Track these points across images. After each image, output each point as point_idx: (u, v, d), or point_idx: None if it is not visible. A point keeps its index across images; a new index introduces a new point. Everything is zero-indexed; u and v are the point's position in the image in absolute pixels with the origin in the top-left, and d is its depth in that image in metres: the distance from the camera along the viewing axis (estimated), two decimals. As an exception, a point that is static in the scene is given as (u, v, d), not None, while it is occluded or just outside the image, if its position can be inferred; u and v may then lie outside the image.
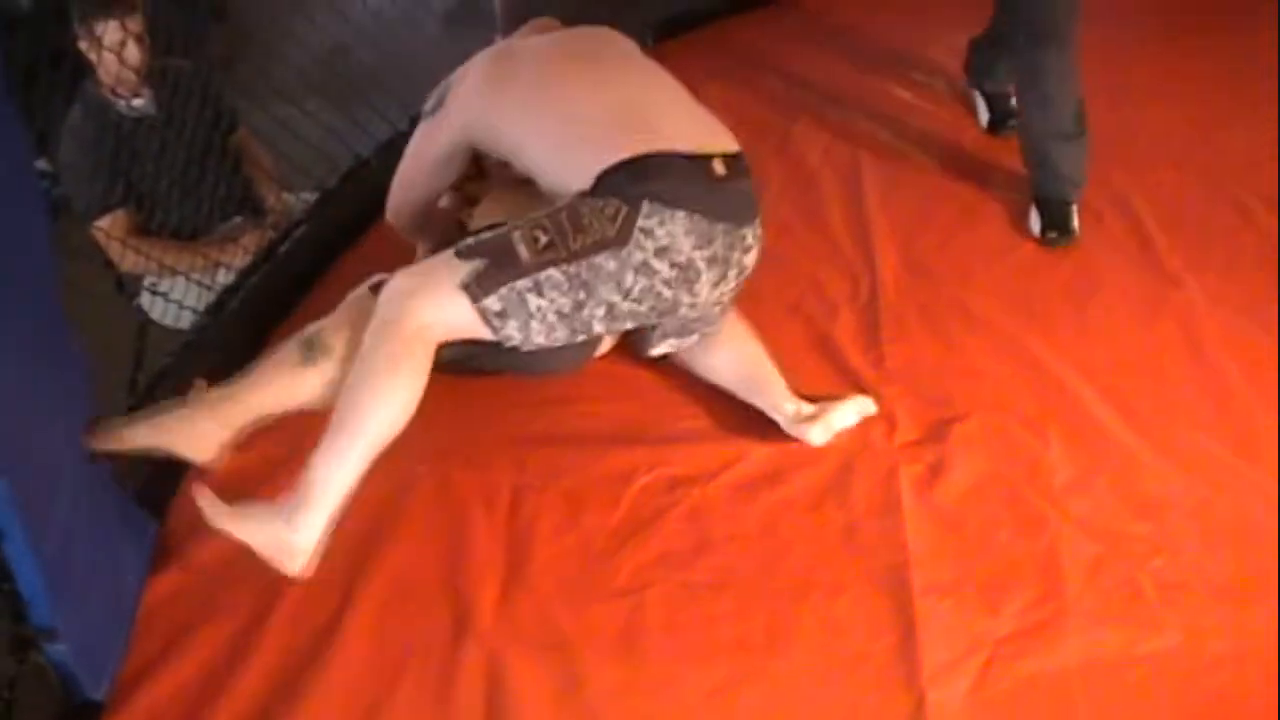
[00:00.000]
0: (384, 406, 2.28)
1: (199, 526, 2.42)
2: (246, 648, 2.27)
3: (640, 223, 2.35)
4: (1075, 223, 3.27)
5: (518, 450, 2.68)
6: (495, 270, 2.34)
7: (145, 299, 3.34)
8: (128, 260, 3.25)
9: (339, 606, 2.34)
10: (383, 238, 3.43)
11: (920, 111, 3.95)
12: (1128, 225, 3.34)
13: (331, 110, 3.78)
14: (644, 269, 2.38)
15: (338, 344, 2.48)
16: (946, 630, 2.27)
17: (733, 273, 2.52)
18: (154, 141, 3.35)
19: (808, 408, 2.64)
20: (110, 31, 3.20)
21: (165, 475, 2.62)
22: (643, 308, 2.44)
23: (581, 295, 2.37)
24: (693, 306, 2.52)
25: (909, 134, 3.78)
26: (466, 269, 2.34)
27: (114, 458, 2.37)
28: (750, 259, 2.55)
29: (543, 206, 2.49)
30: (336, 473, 2.25)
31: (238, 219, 3.56)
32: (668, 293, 2.42)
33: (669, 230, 2.37)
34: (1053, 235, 3.26)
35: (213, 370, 2.85)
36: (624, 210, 2.36)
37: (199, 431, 2.46)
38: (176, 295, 3.18)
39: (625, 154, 2.40)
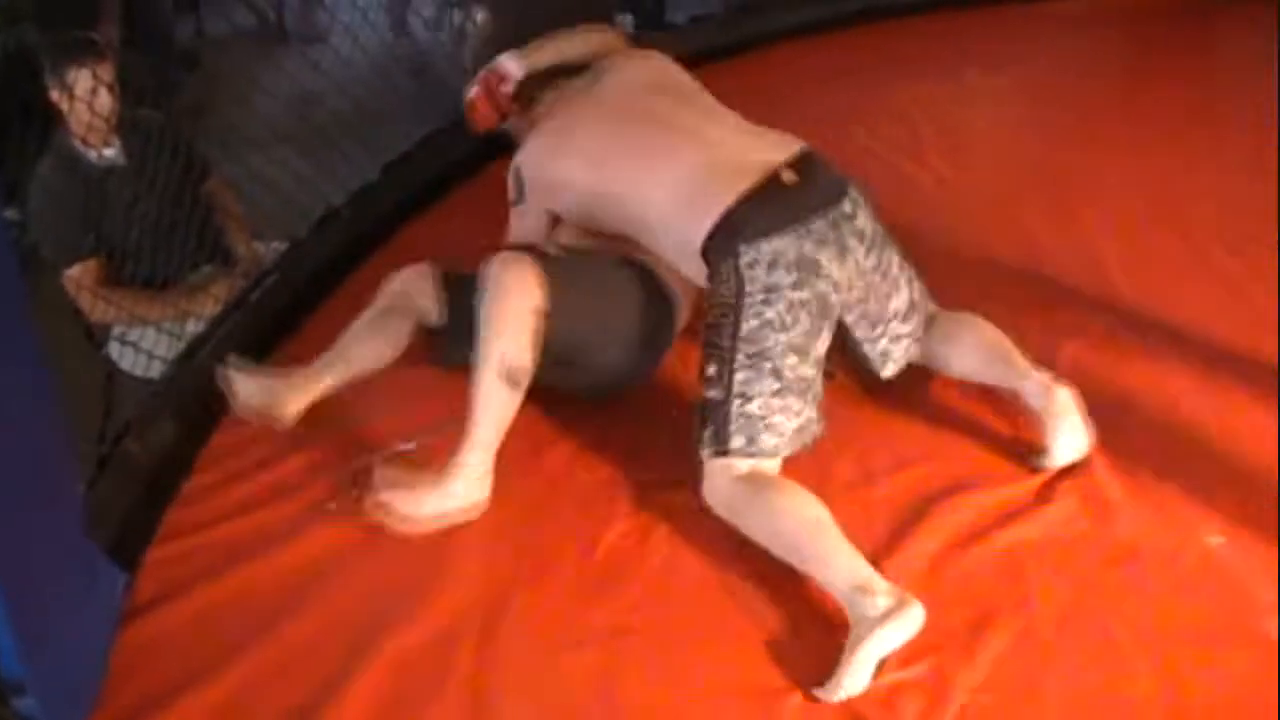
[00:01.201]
0: (797, 519, 2.45)
1: (173, 580, 2.40)
2: (223, 704, 2.25)
3: (742, 269, 2.55)
4: None
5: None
6: (716, 421, 2.55)
7: (114, 348, 3.32)
8: (97, 310, 3.23)
9: (322, 668, 2.33)
10: (354, 288, 3.44)
11: (880, 159, 4.00)
12: (1095, 269, 3.38)
13: (303, 159, 3.79)
14: (773, 294, 2.54)
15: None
16: (923, 678, 2.27)
17: (852, 241, 2.64)
18: (124, 191, 3.34)
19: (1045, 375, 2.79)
20: (81, 80, 3.20)
21: (138, 525, 2.61)
22: (805, 322, 2.57)
23: (767, 364, 2.54)
24: (838, 286, 2.62)
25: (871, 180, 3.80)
26: (706, 442, 2.56)
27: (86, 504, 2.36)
28: (861, 222, 2.67)
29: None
30: (837, 571, 2.36)
31: (207, 268, 3.55)
32: (805, 293, 2.56)
33: (766, 252, 2.54)
34: None
35: (181, 421, 2.87)
36: (727, 272, 2.57)
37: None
38: (146, 344, 3.16)
39: (710, 221, 2.58)
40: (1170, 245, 3.43)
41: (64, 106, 3.25)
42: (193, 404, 2.93)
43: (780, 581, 2.45)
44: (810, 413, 2.59)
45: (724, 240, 2.57)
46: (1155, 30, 5.08)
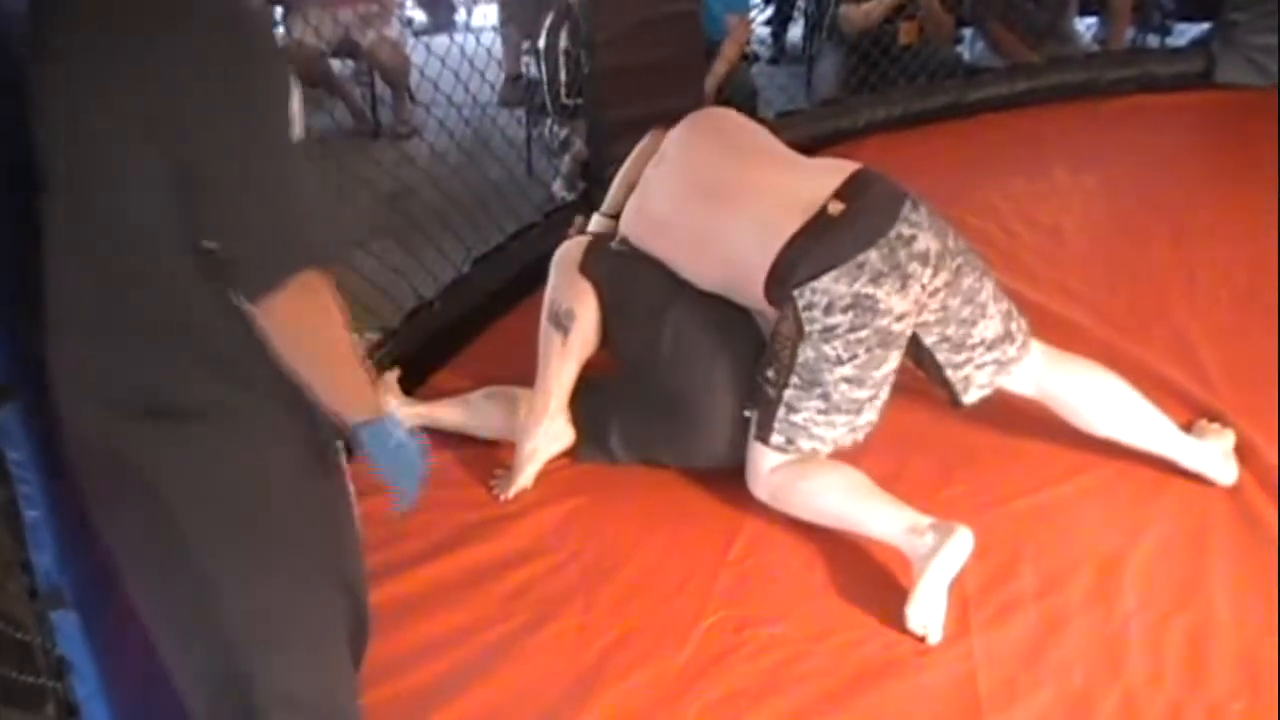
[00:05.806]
0: (836, 491, 2.66)
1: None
2: None
3: (801, 309, 2.60)
4: None
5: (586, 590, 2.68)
6: (761, 415, 2.72)
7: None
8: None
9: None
10: (444, 380, 3.46)
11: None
12: (1187, 365, 3.33)
13: (395, 250, 3.84)
14: (828, 332, 2.59)
15: None
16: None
17: (914, 266, 2.61)
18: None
19: (1211, 442, 2.90)
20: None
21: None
22: (863, 355, 2.61)
23: (818, 389, 2.64)
24: (903, 316, 2.63)
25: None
26: (752, 426, 2.75)
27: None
28: (922, 243, 2.62)
29: None
30: (885, 523, 2.59)
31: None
32: (864, 331, 2.59)
33: (822, 292, 2.57)
34: None
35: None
36: (786, 313, 2.63)
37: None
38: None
39: (763, 272, 2.64)
40: (1264, 340, 3.36)
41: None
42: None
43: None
44: (858, 420, 2.69)
45: (779, 287, 2.62)
46: (1240, 124, 5.05)
